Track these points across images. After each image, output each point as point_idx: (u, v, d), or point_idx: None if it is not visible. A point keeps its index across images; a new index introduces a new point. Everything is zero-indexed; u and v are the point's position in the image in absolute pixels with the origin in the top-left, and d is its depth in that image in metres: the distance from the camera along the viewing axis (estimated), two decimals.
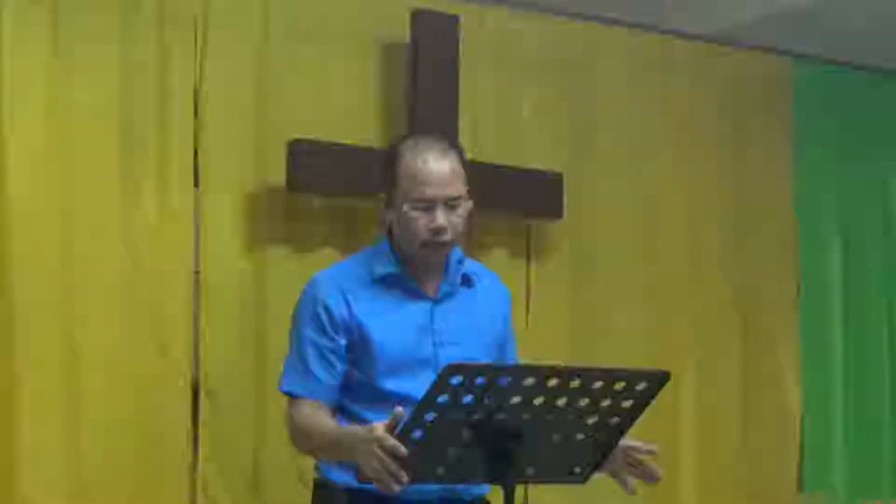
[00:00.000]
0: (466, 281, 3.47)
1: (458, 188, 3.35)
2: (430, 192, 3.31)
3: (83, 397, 4.05)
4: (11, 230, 3.98)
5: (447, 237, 3.34)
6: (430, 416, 2.85)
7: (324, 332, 3.34)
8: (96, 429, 4.06)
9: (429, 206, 3.31)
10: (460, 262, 3.46)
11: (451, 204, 3.33)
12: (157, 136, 4.22)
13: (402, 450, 2.87)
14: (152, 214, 4.19)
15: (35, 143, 4.04)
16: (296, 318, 3.42)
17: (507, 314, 3.57)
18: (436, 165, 3.33)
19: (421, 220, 3.32)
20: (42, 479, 3.96)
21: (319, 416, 3.31)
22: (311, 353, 3.35)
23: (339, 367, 3.34)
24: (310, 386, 3.34)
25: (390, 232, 3.43)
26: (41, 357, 3.99)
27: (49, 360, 4.00)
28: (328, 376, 3.34)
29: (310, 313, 3.37)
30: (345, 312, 3.34)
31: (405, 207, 3.32)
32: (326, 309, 3.35)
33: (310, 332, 3.36)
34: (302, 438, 3.36)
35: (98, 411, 4.06)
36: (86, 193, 4.10)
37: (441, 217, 3.31)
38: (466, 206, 3.38)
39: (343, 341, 3.34)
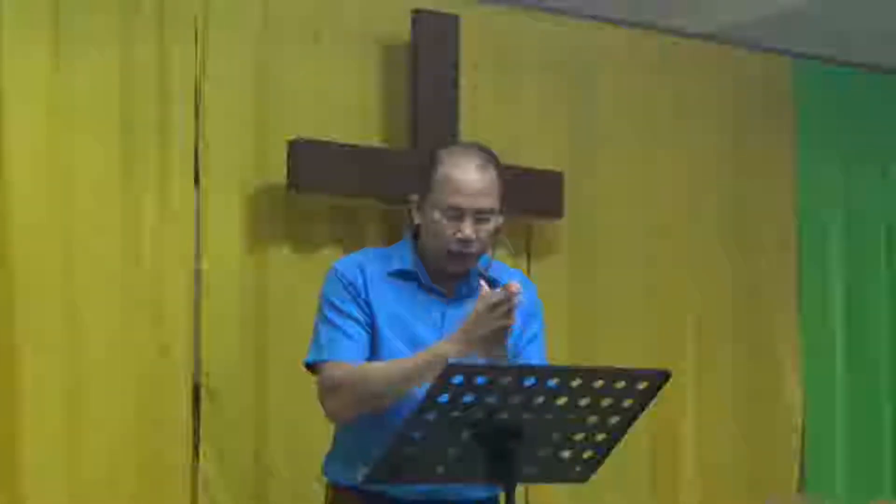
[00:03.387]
0: (489, 283, 3.44)
1: (491, 202, 3.35)
2: (463, 201, 3.30)
3: (84, 397, 4.05)
4: (11, 230, 3.98)
5: (473, 249, 3.33)
6: (430, 416, 2.85)
7: (355, 303, 3.34)
8: (97, 429, 4.06)
9: (458, 215, 3.31)
10: (484, 270, 3.42)
11: (480, 216, 3.33)
12: (158, 136, 4.22)
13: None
14: (153, 214, 4.19)
15: (35, 143, 4.04)
16: (324, 296, 3.40)
17: (530, 315, 3.47)
18: (472, 176, 3.32)
19: (449, 229, 3.31)
20: (43, 478, 3.96)
21: (374, 363, 3.28)
22: (346, 320, 3.33)
23: (369, 339, 3.34)
24: (347, 349, 3.31)
25: (416, 232, 3.43)
26: (42, 356, 3.98)
27: (50, 360, 4.00)
28: (362, 341, 3.32)
29: (339, 288, 3.37)
30: (364, 293, 3.35)
31: (436, 214, 3.32)
32: (352, 285, 3.36)
33: (340, 304, 3.34)
34: (356, 389, 3.28)
35: (99, 411, 4.06)
36: (86, 193, 4.10)
37: (468, 228, 3.31)
38: (496, 220, 3.38)
39: (369, 313, 3.34)
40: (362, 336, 3.33)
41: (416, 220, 3.40)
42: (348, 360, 3.31)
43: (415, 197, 3.40)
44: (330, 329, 3.35)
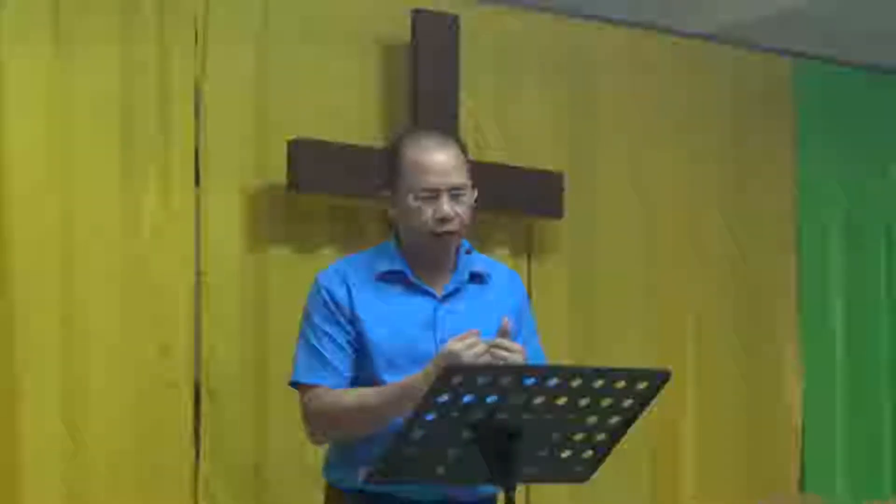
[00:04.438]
0: (477, 277, 3.44)
1: (462, 177, 3.34)
2: (434, 181, 3.30)
3: (84, 397, 4.05)
4: (11, 230, 3.98)
5: (454, 227, 3.32)
6: (430, 416, 2.85)
7: (334, 319, 3.34)
8: (97, 429, 4.06)
9: (433, 195, 3.30)
10: (469, 256, 3.44)
11: (455, 193, 3.32)
12: (158, 136, 4.22)
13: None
14: (153, 214, 4.19)
15: (35, 143, 4.04)
16: (305, 310, 3.42)
17: (521, 311, 3.50)
18: (437, 155, 3.32)
19: (427, 211, 3.31)
20: (43, 479, 3.96)
21: (350, 392, 3.30)
22: (323, 341, 3.34)
23: (351, 355, 3.34)
24: (324, 373, 3.33)
25: (397, 230, 3.42)
26: (41, 356, 3.99)
27: (49, 360, 4.00)
28: (341, 363, 3.33)
29: (318, 304, 3.37)
30: (348, 304, 3.35)
31: (410, 199, 3.31)
32: (333, 298, 3.35)
33: (320, 322, 3.36)
34: (333, 418, 3.32)
35: (99, 411, 4.06)
36: (86, 193, 4.10)
37: (447, 206, 3.30)
38: (471, 195, 3.37)
39: (352, 330, 3.34)
40: (343, 359, 3.33)
41: (392, 213, 3.39)
42: (329, 385, 3.32)
43: (387, 192, 3.39)
44: (311, 351, 3.36)
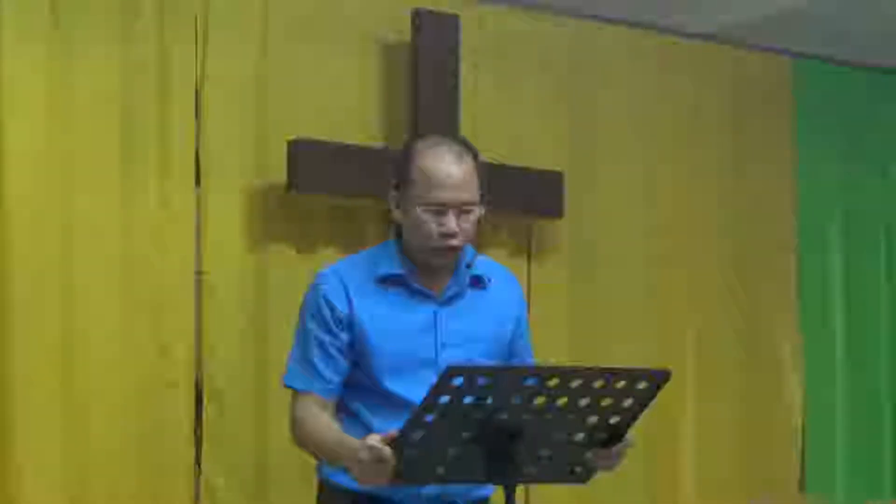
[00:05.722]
0: (478, 281, 3.43)
1: (473, 193, 3.29)
2: (445, 196, 3.25)
3: (84, 397, 4.05)
4: (11, 230, 3.98)
5: (457, 242, 3.29)
6: (430, 417, 2.85)
7: (327, 327, 3.33)
8: (98, 430, 4.06)
9: (442, 210, 3.27)
10: (470, 263, 3.42)
11: (464, 209, 3.29)
12: (158, 136, 4.23)
13: (388, 454, 2.89)
14: (153, 214, 4.20)
15: (35, 143, 4.04)
16: (301, 313, 3.40)
17: (520, 316, 3.49)
18: (453, 169, 3.26)
19: (432, 224, 3.27)
20: (43, 479, 3.96)
21: (321, 420, 3.30)
22: (314, 348, 3.33)
23: (342, 362, 3.32)
24: (312, 381, 3.32)
25: (399, 230, 3.40)
26: (41, 357, 3.99)
27: (49, 361, 4.00)
28: (330, 372, 3.32)
29: (314, 308, 3.35)
30: (346, 308, 3.32)
31: (418, 210, 3.27)
32: (329, 304, 3.33)
33: (313, 327, 3.34)
34: (303, 437, 3.35)
35: (99, 412, 4.06)
36: (86, 193, 4.11)
37: (453, 222, 3.26)
38: (479, 210, 3.34)
39: (345, 337, 3.33)
40: (332, 366, 3.32)
41: (395, 214, 3.36)
42: (316, 392, 3.32)
43: (394, 193, 3.36)
44: (302, 357, 3.35)
